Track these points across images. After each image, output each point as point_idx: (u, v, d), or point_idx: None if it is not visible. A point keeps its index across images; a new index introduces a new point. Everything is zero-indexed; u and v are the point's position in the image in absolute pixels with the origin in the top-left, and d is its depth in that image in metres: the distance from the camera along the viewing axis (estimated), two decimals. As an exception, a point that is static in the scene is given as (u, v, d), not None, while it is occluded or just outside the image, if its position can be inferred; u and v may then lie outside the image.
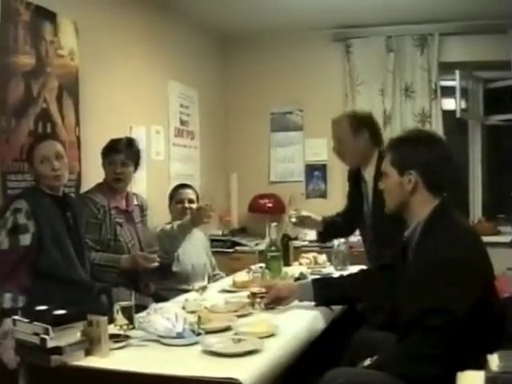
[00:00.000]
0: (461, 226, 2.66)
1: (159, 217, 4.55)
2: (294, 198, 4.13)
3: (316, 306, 3.16)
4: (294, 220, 3.95)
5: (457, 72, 6.45)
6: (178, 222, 4.16)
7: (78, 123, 4.50)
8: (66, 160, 3.48)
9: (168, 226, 4.16)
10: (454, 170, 2.85)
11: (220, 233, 6.67)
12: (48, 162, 3.38)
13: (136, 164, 4.13)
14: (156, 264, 3.82)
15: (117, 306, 2.66)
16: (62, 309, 2.38)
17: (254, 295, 3.22)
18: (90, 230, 3.80)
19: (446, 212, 2.65)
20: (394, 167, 2.70)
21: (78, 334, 2.34)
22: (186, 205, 4.55)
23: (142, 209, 4.26)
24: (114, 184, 4.02)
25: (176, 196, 4.64)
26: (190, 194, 4.64)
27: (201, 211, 4.08)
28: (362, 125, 3.71)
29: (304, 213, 4.04)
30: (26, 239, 3.21)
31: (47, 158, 3.39)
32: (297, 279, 3.94)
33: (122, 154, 4.02)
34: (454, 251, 2.47)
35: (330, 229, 4.10)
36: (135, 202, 4.20)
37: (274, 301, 3.20)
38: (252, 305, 3.19)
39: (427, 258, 2.51)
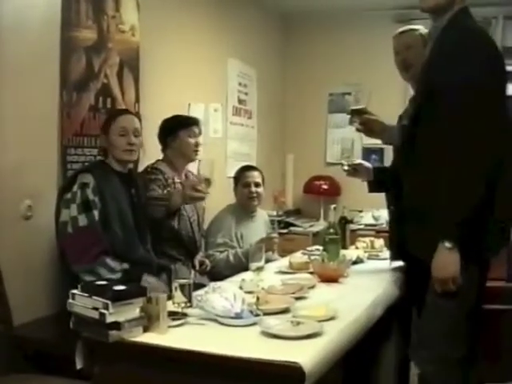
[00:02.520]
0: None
1: (216, 194, 4.52)
2: (345, 150, 4.02)
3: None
4: (346, 168, 3.84)
5: (520, 57, 6.29)
6: (243, 250, 4.21)
7: (137, 99, 4.50)
8: (141, 139, 3.53)
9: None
10: None
11: (274, 213, 6.63)
12: (126, 135, 3.43)
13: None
14: (204, 195, 3.67)
15: (175, 284, 2.64)
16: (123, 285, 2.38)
17: None
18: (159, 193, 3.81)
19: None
20: None
21: (137, 311, 2.33)
22: (253, 189, 4.52)
23: None
24: (194, 155, 4.07)
25: (242, 179, 4.58)
26: (256, 177, 4.58)
27: (270, 240, 4.27)
28: None
29: (356, 160, 3.95)
30: (96, 215, 3.24)
31: (127, 130, 3.44)
32: (354, 263, 3.90)
33: (199, 125, 4.13)
34: None
35: (380, 176, 3.95)
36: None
37: (367, 128, 3.39)
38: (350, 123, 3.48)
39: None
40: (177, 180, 4.00)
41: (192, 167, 4.30)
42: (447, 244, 2.54)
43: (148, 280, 3.20)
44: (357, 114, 3.51)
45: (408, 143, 2.91)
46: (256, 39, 6.57)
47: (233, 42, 6.07)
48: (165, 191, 3.80)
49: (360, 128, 3.53)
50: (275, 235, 4.37)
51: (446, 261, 2.57)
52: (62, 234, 3.25)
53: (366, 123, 3.47)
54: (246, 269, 3.43)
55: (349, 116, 3.56)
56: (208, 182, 3.59)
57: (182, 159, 4.09)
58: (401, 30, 3.63)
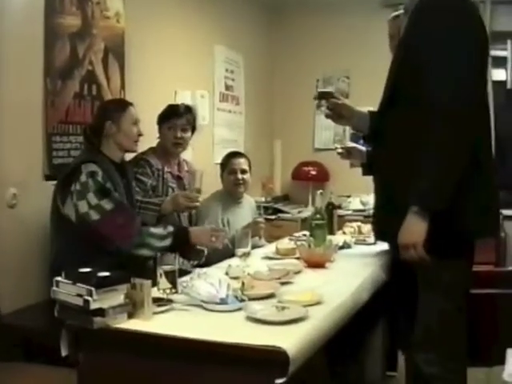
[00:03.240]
0: None
1: (204, 181, 4.50)
2: (338, 133, 3.98)
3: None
4: (340, 150, 3.82)
5: (509, 42, 6.30)
6: (230, 237, 4.12)
7: (123, 86, 4.49)
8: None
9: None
10: None
11: (263, 199, 6.63)
12: (136, 126, 3.54)
13: (193, 129, 4.18)
14: (198, 204, 3.79)
15: (160, 270, 2.64)
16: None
17: None
18: (144, 188, 3.84)
19: None
20: None
21: (122, 297, 2.32)
22: (239, 175, 4.49)
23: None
24: (174, 149, 4.07)
25: (228, 166, 4.55)
26: (242, 163, 4.56)
27: (257, 225, 4.29)
28: None
29: (349, 143, 3.94)
30: (116, 196, 3.31)
31: (136, 121, 3.55)
32: (341, 248, 3.90)
33: (183, 118, 4.08)
34: None
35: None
36: (186, 169, 4.23)
37: (335, 113, 3.28)
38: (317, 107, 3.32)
39: None
40: (167, 170, 4.01)
41: (187, 155, 4.30)
42: (414, 208, 2.50)
43: None
44: (324, 97, 3.40)
45: (380, 127, 2.88)
46: (243, 25, 6.54)
47: (219, 29, 6.04)
48: (157, 200, 3.82)
49: (328, 113, 3.39)
50: (261, 220, 4.37)
51: (411, 226, 2.52)
52: (86, 223, 3.25)
53: (334, 108, 3.33)
54: (233, 255, 3.43)
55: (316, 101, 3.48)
56: (198, 191, 3.72)
57: (167, 151, 4.10)
58: (395, 13, 3.59)
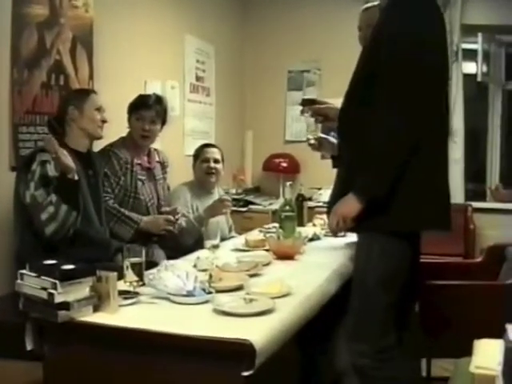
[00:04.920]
0: None
1: (174, 173, 4.48)
2: (309, 124, 3.99)
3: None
4: (312, 142, 3.82)
5: (479, 35, 6.34)
6: (195, 215, 4.18)
7: (91, 76, 4.43)
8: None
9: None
10: None
11: (234, 191, 6.61)
12: (100, 112, 3.53)
13: (163, 122, 4.12)
14: (176, 227, 3.92)
15: (126, 263, 2.61)
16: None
17: None
18: (110, 184, 3.80)
19: None
20: None
21: (87, 290, 2.30)
22: (212, 164, 4.48)
23: (163, 166, 4.26)
24: (141, 141, 4.02)
25: (201, 155, 4.54)
26: (215, 153, 4.56)
27: (223, 202, 4.25)
28: None
29: (321, 134, 3.95)
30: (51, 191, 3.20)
31: (100, 108, 3.53)
32: (310, 240, 3.90)
33: (152, 110, 4.02)
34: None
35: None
36: (156, 159, 4.20)
37: (322, 116, 3.39)
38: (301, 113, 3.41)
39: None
40: (136, 162, 3.98)
41: (157, 146, 4.25)
42: (354, 191, 2.62)
43: None
44: (308, 104, 3.48)
45: (341, 123, 2.92)
46: (214, 15, 6.49)
47: (190, 18, 5.99)
48: (137, 217, 3.86)
49: (315, 117, 3.49)
50: (227, 198, 4.38)
51: (347, 201, 2.65)
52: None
53: (318, 112, 3.43)
54: (201, 236, 3.42)
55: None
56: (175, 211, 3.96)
57: (135, 142, 4.06)
58: (365, 6, 3.62)
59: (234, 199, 6.23)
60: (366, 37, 3.42)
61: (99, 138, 3.62)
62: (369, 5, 3.57)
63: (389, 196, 2.59)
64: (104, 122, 3.54)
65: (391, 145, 2.54)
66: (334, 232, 2.89)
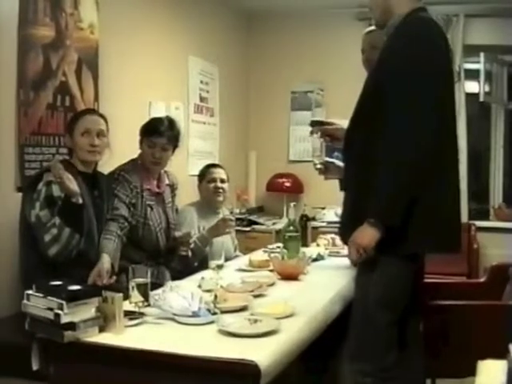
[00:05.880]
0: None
1: (178, 193, 4.48)
2: (315, 148, 4.00)
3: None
4: (319, 166, 3.83)
5: (481, 54, 6.36)
6: (198, 235, 4.17)
7: (96, 97, 4.46)
8: (106, 140, 3.51)
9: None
10: None
11: (237, 211, 6.62)
12: (88, 136, 3.41)
13: (175, 147, 4.06)
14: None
15: (132, 283, 2.62)
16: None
17: None
18: (122, 208, 3.74)
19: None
20: None
21: (93, 310, 2.31)
22: (219, 184, 4.50)
23: (173, 188, 4.22)
24: (151, 166, 3.97)
25: (207, 175, 4.55)
26: (221, 173, 4.58)
27: (226, 222, 4.21)
28: None
29: (327, 158, 3.96)
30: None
31: (90, 131, 3.42)
32: (314, 260, 3.91)
33: (164, 137, 3.94)
34: None
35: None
36: (166, 182, 4.15)
37: (330, 136, 3.44)
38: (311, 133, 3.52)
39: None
40: (145, 187, 3.92)
41: (172, 167, 4.23)
42: (370, 219, 2.58)
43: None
44: (316, 124, 3.51)
45: (347, 144, 2.93)
46: (218, 37, 6.54)
47: (194, 40, 6.04)
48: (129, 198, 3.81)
49: (324, 138, 3.53)
50: (230, 217, 4.36)
51: (364, 231, 2.60)
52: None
53: (326, 133, 3.48)
54: (205, 256, 3.44)
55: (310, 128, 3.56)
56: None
57: (145, 166, 4.00)
58: (369, 29, 3.65)
59: (237, 219, 6.25)
60: (369, 59, 3.46)
61: (93, 162, 3.52)
62: (372, 28, 3.60)
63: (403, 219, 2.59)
64: (93, 146, 3.42)
65: (403, 170, 2.54)
66: (355, 263, 2.84)
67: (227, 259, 3.88)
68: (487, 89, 6.60)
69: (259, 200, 7.33)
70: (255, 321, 2.45)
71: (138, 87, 5.00)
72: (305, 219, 4.56)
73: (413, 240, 2.65)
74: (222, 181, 4.53)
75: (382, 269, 2.68)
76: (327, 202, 6.33)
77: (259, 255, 4.08)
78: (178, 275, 3.68)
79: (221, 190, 4.49)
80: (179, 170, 5.00)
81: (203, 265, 3.72)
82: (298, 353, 2.42)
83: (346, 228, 2.78)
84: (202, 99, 6.26)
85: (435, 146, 2.57)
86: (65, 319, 2.22)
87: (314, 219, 6.08)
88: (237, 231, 5.44)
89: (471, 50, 6.44)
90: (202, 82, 6.26)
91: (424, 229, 2.65)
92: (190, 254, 4.03)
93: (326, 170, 3.76)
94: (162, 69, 5.45)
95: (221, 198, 4.51)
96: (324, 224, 6.26)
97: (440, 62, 2.66)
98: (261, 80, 7.32)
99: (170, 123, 4.03)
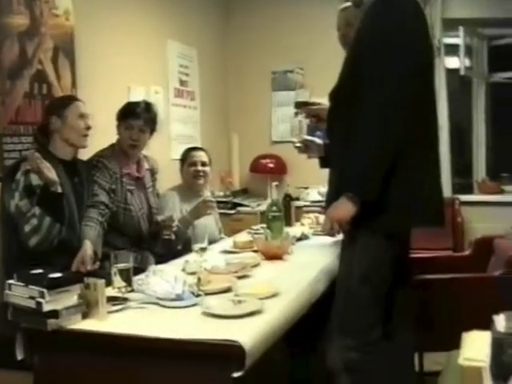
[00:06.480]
0: None
1: (161, 177, 4.45)
2: (294, 127, 3.99)
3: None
4: (298, 145, 3.83)
5: (461, 29, 6.35)
6: (180, 217, 4.15)
7: (74, 84, 4.42)
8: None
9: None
10: None
11: (221, 194, 6.61)
12: (84, 119, 3.49)
13: (152, 129, 4.04)
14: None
15: (114, 269, 2.61)
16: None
17: None
18: (102, 195, 3.71)
19: None
20: None
21: (75, 297, 2.30)
22: (199, 167, 4.49)
23: (153, 172, 4.19)
24: (129, 150, 3.94)
25: (188, 159, 4.55)
26: (202, 156, 4.56)
27: (206, 203, 4.21)
28: None
29: (306, 137, 3.96)
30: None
31: (83, 115, 3.50)
32: (299, 239, 3.91)
33: (141, 119, 3.92)
34: None
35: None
36: (146, 166, 4.12)
37: (316, 116, 3.40)
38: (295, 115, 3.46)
39: None
40: (124, 172, 3.89)
41: (149, 151, 4.20)
42: (348, 193, 2.58)
43: None
44: (301, 106, 3.50)
45: (330, 123, 2.94)
46: (196, 19, 6.49)
47: (172, 23, 5.99)
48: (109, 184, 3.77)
49: (310, 119, 3.53)
50: (211, 198, 4.38)
51: (340, 205, 2.61)
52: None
53: (312, 113, 3.47)
54: (189, 239, 3.48)
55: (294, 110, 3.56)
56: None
57: (124, 150, 3.97)
58: (343, 6, 3.63)
59: (222, 202, 6.26)
60: (345, 36, 3.45)
61: (83, 147, 3.58)
62: (346, 4, 3.59)
63: (382, 195, 2.58)
64: (88, 128, 3.50)
65: (380, 143, 2.54)
66: (330, 235, 2.87)
67: (211, 242, 3.88)
68: (467, 63, 6.60)
69: (243, 182, 7.33)
70: (239, 302, 2.45)
71: (117, 72, 4.96)
72: (288, 199, 4.56)
73: (395, 216, 2.65)
74: (203, 164, 4.52)
75: (366, 246, 2.69)
76: (311, 181, 6.32)
77: (243, 237, 4.07)
78: (162, 259, 3.66)
79: (202, 174, 4.47)
80: (161, 155, 4.98)
81: (187, 248, 3.72)
82: (282, 332, 2.42)
83: (329, 205, 2.78)
84: (181, 83, 6.22)
85: (411, 120, 2.57)
86: (47, 307, 2.21)
87: (297, 199, 6.08)
88: (222, 214, 5.43)
89: (450, 24, 6.42)
90: (181, 65, 6.22)
91: (406, 204, 2.65)
92: (173, 237, 4.01)
93: (306, 148, 3.76)
94: (141, 53, 5.41)
95: (202, 182, 4.50)
96: (308, 203, 6.26)
97: (417, 36, 2.66)
98: (241, 61, 7.28)
99: (147, 106, 4.03)
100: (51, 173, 3.16)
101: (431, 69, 2.84)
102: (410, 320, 3.15)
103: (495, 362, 1.76)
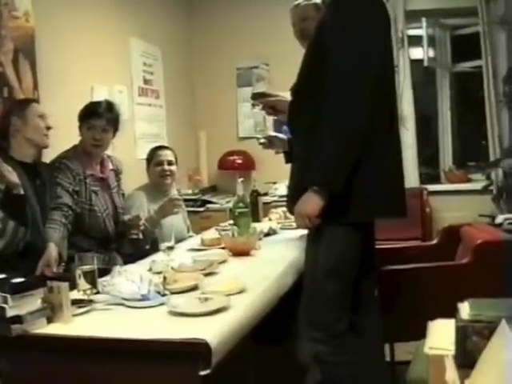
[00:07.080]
0: None
1: (127, 177, 4.42)
2: (258, 122, 3.99)
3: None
4: (262, 141, 3.84)
5: (423, 20, 6.40)
6: (146, 217, 4.11)
7: (36, 86, 4.38)
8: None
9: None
10: None
11: (190, 192, 6.60)
12: (43, 119, 3.48)
13: (115, 129, 4.00)
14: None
15: (78, 271, 2.59)
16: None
17: None
18: (65, 196, 3.68)
19: None
20: None
21: (39, 302, 2.28)
22: (166, 167, 4.46)
23: (117, 172, 4.16)
24: (92, 150, 3.90)
25: (154, 158, 4.52)
26: (168, 155, 4.53)
27: (172, 202, 4.15)
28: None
29: (270, 132, 3.96)
30: None
31: (43, 115, 3.48)
32: (266, 234, 3.91)
33: (103, 118, 3.89)
34: None
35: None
36: (110, 167, 4.09)
37: (272, 108, 3.35)
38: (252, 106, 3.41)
39: None
40: (88, 173, 3.86)
41: (109, 150, 4.16)
42: (314, 187, 2.59)
43: None
44: (258, 97, 3.49)
45: (291, 116, 2.95)
46: (158, 17, 6.47)
47: (134, 21, 5.95)
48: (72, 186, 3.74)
49: (266, 110, 3.49)
50: (177, 197, 4.36)
51: (307, 198, 2.62)
52: None
53: (268, 105, 3.44)
54: (156, 239, 3.44)
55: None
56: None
57: (87, 151, 3.94)
58: (296, 2, 3.66)
59: (190, 200, 6.24)
60: (302, 30, 3.47)
61: (45, 146, 3.56)
62: (299, 1, 3.63)
63: (345, 187, 2.59)
64: (49, 128, 3.49)
65: (344, 137, 2.55)
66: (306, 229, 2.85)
67: (180, 240, 3.87)
68: (431, 54, 6.66)
69: (212, 179, 7.32)
70: (205, 299, 2.44)
71: (79, 72, 4.92)
72: (255, 194, 4.55)
73: (358, 208, 2.67)
74: (170, 163, 4.49)
75: (330, 238, 2.70)
76: (279, 176, 6.31)
77: (211, 234, 4.07)
78: (130, 259, 3.64)
79: (168, 173, 4.45)
80: (127, 154, 4.96)
81: (155, 248, 3.70)
82: (250, 328, 2.41)
83: (294, 199, 2.78)
84: (146, 81, 6.19)
85: (373, 112, 2.58)
86: (10, 313, 2.18)
87: (266, 194, 6.09)
88: (190, 212, 5.42)
89: (413, 16, 6.48)
90: (145, 63, 6.19)
91: (369, 196, 2.68)
92: (141, 236, 3.98)
93: (270, 143, 3.77)
94: (103, 52, 5.37)
95: (168, 181, 4.48)
96: (276, 198, 6.27)
97: (378, 28, 2.67)
98: (205, 59, 7.27)
99: (109, 105, 4.00)
100: (13, 175, 3.13)
101: (391, 60, 2.86)
102: (378, 310, 3.17)
103: (460, 349, 1.76)
